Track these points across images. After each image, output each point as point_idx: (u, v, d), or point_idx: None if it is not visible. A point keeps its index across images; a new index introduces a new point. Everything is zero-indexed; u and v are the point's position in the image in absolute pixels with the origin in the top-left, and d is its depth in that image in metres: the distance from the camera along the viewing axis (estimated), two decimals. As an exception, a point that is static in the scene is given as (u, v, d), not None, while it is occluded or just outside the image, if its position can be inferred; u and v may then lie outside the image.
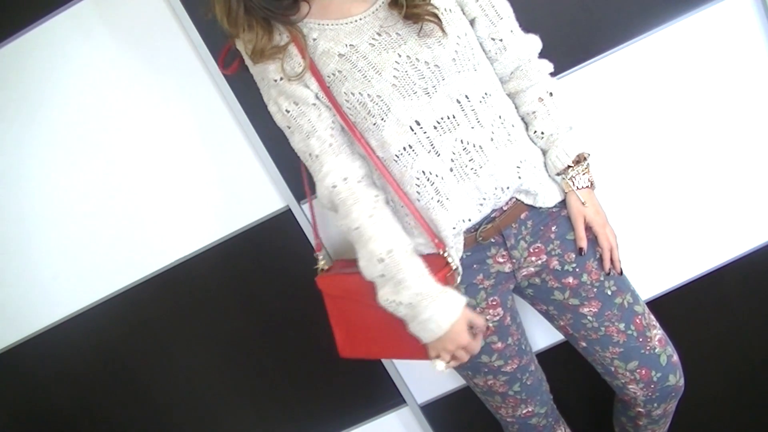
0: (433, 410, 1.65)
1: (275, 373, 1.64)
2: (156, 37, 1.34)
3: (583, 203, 1.14)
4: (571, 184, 1.15)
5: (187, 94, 1.38)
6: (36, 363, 1.62)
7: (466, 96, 1.06)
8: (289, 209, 1.45)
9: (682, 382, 1.22)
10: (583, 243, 1.16)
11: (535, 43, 1.14)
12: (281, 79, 1.07)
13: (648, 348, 1.19)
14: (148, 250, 1.50)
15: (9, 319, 1.58)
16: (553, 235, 1.17)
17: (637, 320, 1.19)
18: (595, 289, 1.17)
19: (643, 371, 1.19)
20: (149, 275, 1.52)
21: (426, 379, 1.61)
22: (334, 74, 1.04)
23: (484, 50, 1.13)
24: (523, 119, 1.17)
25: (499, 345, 1.21)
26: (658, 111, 1.39)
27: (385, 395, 1.64)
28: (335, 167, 1.10)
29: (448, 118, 1.05)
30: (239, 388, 1.66)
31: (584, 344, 1.23)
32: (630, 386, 1.21)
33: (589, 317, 1.19)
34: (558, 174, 1.16)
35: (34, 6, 1.32)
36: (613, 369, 1.22)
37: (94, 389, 1.66)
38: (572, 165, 1.14)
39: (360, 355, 1.27)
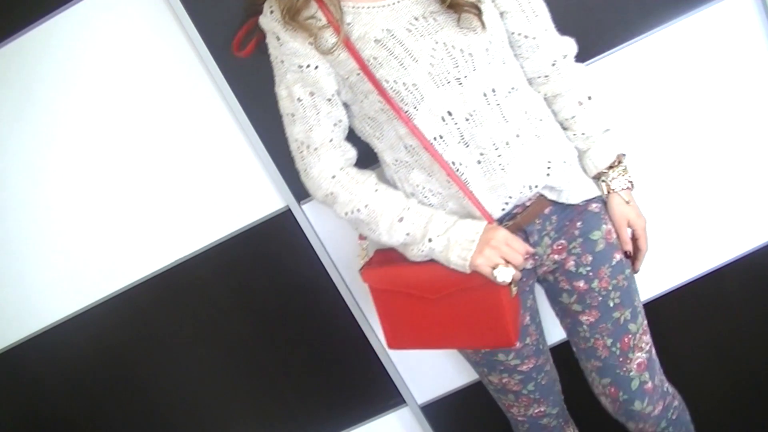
0: (433, 410, 1.65)
1: (275, 373, 1.64)
2: (156, 37, 1.34)
3: (627, 202, 1.15)
4: (611, 185, 1.15)
5: (187, 94, 1.38)
6: (36, 363, 1.62)
7: (493, 90, 1.03)
8: (289, 209, 1.45)
9: (651, 410, 1.21)
10: (628, 246, 1.16)
11: (569, 45, 1.12)
12: (308, 66, 1.05)
13: (624, 369, 1.19)
14: (148, 250, 1.50)
15: (9, 319, 1.58)
16: (577, 232, 1.14)
17: (626, 339, 1.18)
18: (600, 298, 1.16)
19: (613, 389, 1.21)
20: (149, 275, 1.52)
21: (426, 379, 1.61)
22: (368, 60, 1.01)
23: (514, 47, 1.10)
24: (561, 124, 1.15)
25: (517, 344, 1.19)
26: (658, 111, 1.39)
27: (385, 395, 1.64)
28: (333, 160, 1.11)
29: (477, 111, 1.03)
30: (239, 388, 1.66)
31: (575, 349, 1.26)
32: (601, 397, 1.25)
33: (584, 326, 1.19)
34: (596, 177, 1.16)
35: (34, 6, 1.32)
36: (590, 379, 1.26)
37: (94, 389, 1.66)
38: (614, 166, 1.14)
39: (409, 347, 1.24)
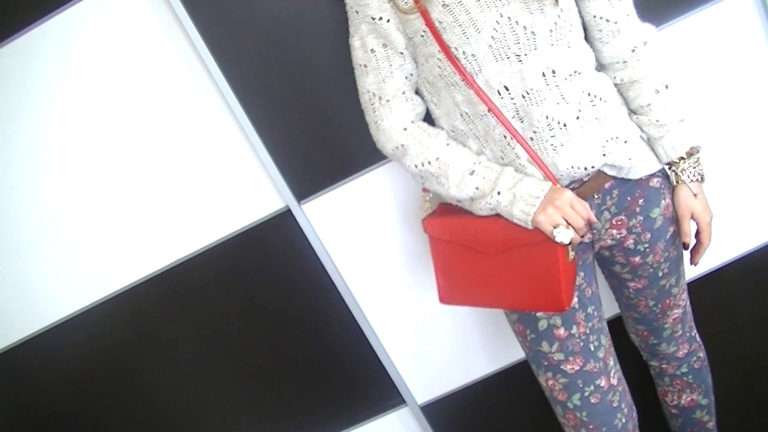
0: (433, 410, 1.65)
1: (275, 373, 1.64)
2: (156, 37, 1.34)
3: (695, 195, 1.13)
4: (681, 176, 1.14)
5: (187, 95, 1.38)
6: (36, 363, 1.62)
7: (553, 71, 1.03)
8: (289, 209, 1.45)
9: (675, 350, 1.31)
10: (687, 239, 1.16)
11: (650, 32, 1.11)
12: (380, 19, 1.05)
13: (660, 323, 1.28)
14: (148, 250, 1.50)
15: (9, 319, 1.58)
16: (638, 209, 1.14)
17: (667, 301, 1.24)
18: (651, 270, 1.19)
19: (645, 333, 1.31)
20: (149, 275, 1.52)
21: (426, 379, 1.61)
22: (433, 23, 1.02)
23: (593, 30, 1.09)
24: (635, 111, 1.14)
25: (562, 332, 1.16)
26: (658, 111, 1.39)
27: (385, 395, 1.64)
28: (405, 112, 1.12)
29: (535, 90, 1.03)
30: (239, 388, 1.66)
31: (615, 296, 1.33)
32: (631, 335, 1.36)
33: (630, 290, 1.25)
34: (667, 165, 1.15)
35: (34, 6, 1.32)
36: (625, 321, 1.36)
37: (94, 389, 1.66)
38: (684, 157, 1.13)
39: (460, 302, 1.25)
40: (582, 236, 1.05)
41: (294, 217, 1.45)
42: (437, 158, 1.10)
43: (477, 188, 1.08)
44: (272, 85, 1.35)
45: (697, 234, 1.17)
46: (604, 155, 1.07)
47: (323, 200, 1.44)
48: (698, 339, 1.35)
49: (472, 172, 1.08)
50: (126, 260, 1.52)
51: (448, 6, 1.00)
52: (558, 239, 1.02)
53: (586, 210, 1.03)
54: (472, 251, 1.15)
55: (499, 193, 1.06)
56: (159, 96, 1.38)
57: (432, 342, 1.57)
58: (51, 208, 1.48)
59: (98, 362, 1.63)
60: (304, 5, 1.28)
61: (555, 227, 1.02)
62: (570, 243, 1.03)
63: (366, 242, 1.48)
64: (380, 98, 1.11)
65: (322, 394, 1.65)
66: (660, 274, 1.20)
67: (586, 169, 1.07)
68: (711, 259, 1.50)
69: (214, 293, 1.55)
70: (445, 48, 1.02)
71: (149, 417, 1.70)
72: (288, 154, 1.40)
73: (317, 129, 1.38)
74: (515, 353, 1.57)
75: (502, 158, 1.09)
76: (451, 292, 1.23)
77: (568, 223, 1.02)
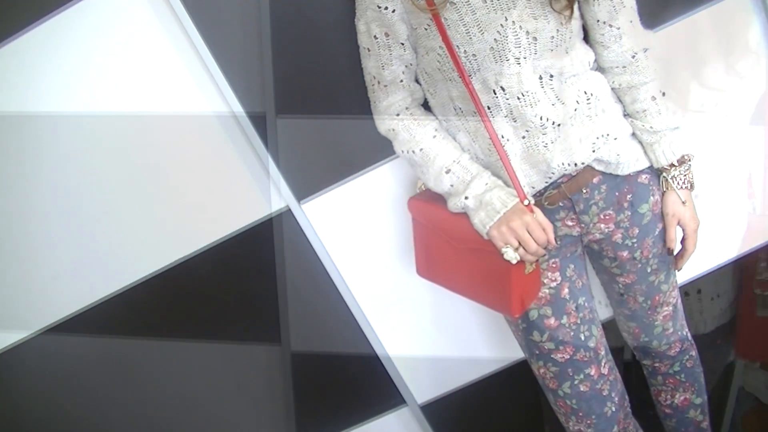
0: (433, 410, 1.65)
1: (275, 373, 1.64)
2: (156, 37, 1.34)
3: (683, 202, 1.15)
4: (672, 183, 1.15)
5: (187, 95, 1.38)
6: (36, 363, 1.62)
7: (550, 75, 1.05)
8: (289, 209, 1.45)
9: (667, 349, 1.31)
10: (673, 245, 1.18)
11: (651, 39, 1.13)
12: (386, 8, 1.07)
13: (650, 319, 1.28)
14: (148, 250, 1.50)
15: (9, 319, 1.58)
16: (626, 204, 1.15)
17: (657, 297, 1.25)
18: (639, 265, 1.20)
19: (636, 331, 1.32)
20: (149, 275, 1.52)
21: (426, 379, 1.61)
22: (440, 19, 1.03)
23: (595, 34, 1.10)
24: (630, 115, 1.16)
25: (552, 321, 1.18)
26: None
27: (385, 395, 1.64)
28: (400, 98, 1.16)
29: (531, 92, 1.04)
30: (239, 388, 1.66)
31: (606, 293, 1.35)
32: (624, 333, 1.37)
33: (620, 285, 1.26)
34: (658, 171, 1.17)
35: (34, 6, 1.32)
36: (617, 320, 1.37)
37: (94, 389, 1.66)
38: (675, 164, 1.15)
39: (434, 280, 1.28)
40: (541, 255, 1.07)
41: (294, 217, 1.45)
42: (421, 149, 1.13)
43: (451, 185, 1.11)
44: (272, 85, 1.35)
45: (683, 240, 1.18)
46: (593, 151, 1.09)
47: (323, 200, 1.44)
48: (690, 338, 1.35)
49: (448, 171, 1.11)
50: (125, 260, 1.51)
51: (455, 4, 1.01)
52: (505, 258, 1.04)
53: (545, 235, 1.05)
54: (444, 240, 1.19)
55: (466, 198, 1.08)
56: (158, 96, 1.38)
57: (432, 342, 1.57)
58: (50, 209, 1.48)
59: (98, 362, 1.62)
60: (304, 5, 1.28)
61: (506, 245, 1.04)
62: (521, 261, 1.05)
63: (366, 242, 1.48)
64: (379, 82, 1.15)
65: (322, 394, 1.65)
66: (649, 269, 1.21)
67: (575, 165, 1.08)
68: (710, 259, 1.50)
69: (213, 293, 1.55)
70: (448, 44, 1.03)
71: (148, 417, 1.70)
72: (288, 154, 1.40)
73: (317, 129, 1.39)
74: (515, 352, 1.57)
75: (489, 156, 1.11)
76: (427, 268, 1.29)
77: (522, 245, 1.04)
